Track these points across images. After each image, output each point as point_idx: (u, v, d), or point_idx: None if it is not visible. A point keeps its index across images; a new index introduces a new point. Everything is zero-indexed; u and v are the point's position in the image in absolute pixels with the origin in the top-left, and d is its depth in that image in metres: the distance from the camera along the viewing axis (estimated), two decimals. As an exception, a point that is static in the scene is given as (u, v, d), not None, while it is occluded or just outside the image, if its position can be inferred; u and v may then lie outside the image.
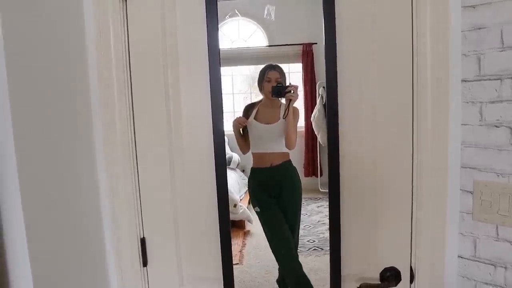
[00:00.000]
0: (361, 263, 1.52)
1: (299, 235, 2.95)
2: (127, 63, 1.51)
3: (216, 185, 1.51)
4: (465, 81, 1.29)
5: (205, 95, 1.48)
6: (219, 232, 1.52)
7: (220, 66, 1.45)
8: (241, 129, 2.81)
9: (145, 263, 1.58)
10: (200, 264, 1.60)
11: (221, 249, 1.53)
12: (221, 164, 1.50)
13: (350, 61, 1.44)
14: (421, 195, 1.41)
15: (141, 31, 1.51)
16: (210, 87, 1.47)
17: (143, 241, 1.57)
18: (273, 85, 2.65)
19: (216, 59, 1.44)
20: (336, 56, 1.41)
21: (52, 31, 1.25)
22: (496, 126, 1.25)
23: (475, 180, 1.30)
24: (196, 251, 1.60)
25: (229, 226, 1.54)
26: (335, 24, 1.39)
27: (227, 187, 1.55)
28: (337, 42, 1.40)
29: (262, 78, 2.73)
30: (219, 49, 1.44)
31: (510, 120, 1.21)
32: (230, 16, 3.86)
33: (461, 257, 1.36)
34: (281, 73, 2.75)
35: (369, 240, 1.52)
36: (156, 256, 1.59)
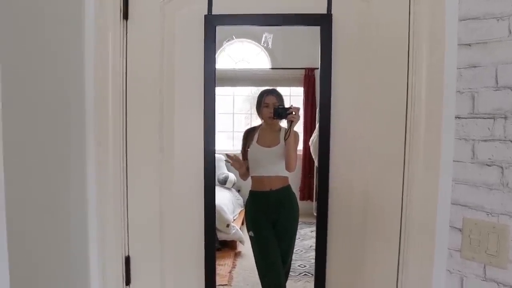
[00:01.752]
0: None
1: (291, 260, 2.91)
2: (124, 81, 1.52)
3: (204, 206, 1.50)
4: (459, 117, 1.30)
5: (199, 117, 1.49)
6: (204, 254, 1.50)
7: (215, 89, 1.47)
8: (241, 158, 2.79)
9: (128, 282, 1.56)
10: (184, 284, 1.57)
11: (205, 271, 1.51)
12: (210, 186, 1.49)
13: (345, 91, 1.46)
14: (410, 228, 1.41)
15: (139, 50, 1.53)
16: (204, 110, 1.48)
17: (127, 260, 1.55)
18: (271, 109, 2.65)
19: (211, 82, 1.46)
20: (330, 84, 1.43)
21: (51, 44, 1.26)
22: (488, 165, 1.24)
23: (465, 217, 1.29)
24: (181, 272, 1.58)
25: (214, 249, 1.53)
26: (331, 54, 1.42)
27: (215, 209, 1.54)
28: (332, 70, 1.42)
29: (260, 104, 2.75)
30: (215, 72, 1.46)
31: (501, 160, 1.21)
32: (227, 41, 3.87)
33: (448, 295, 1.34)
34: (278, 97, 2.76)
35: (355, 270, 1.50)
36: (140, 275, 1.57)
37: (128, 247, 1.56)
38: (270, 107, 2.67)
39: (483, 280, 1.25)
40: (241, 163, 2.70)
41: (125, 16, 1.49)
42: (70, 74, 1.39)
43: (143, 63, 1.53)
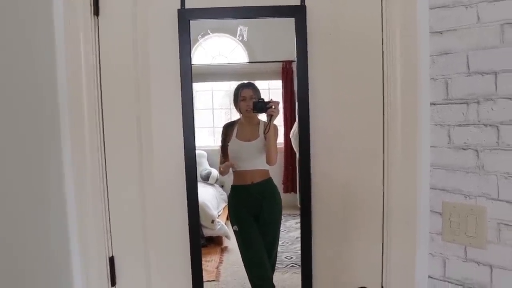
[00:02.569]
0: (332, 283, 1.52)
1: (277, 252, 2.93)
2: (98, 79, 1.49)
3: (187, 203, 1.50)
4: (434, 104, 1.32)
5: (177, 113, 1.48)
6: (189, 251, 1.50)
7: (192, 84, 1.46)
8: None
9: (113, 283, 1.54)
10: (171, 283, 1.57)
11: (191, 268, 1.51)
12: (192, 182, 1.49)
13: (322, 82, 1.47)
14: (391, 215, 1.43)
15: (112, 47, 1.50)
16: (182, 105, 1.47)
17: (111, 260, 1.54)
18: (248, 102, 2.66)
19: (188, 78, 1.45)
20: (307, 75, 1.44)
21: (20, 43, 1.23)
22: (464, 149, 1.27)
23: (444, 201, 1.32)
24: (166, 270, 1.57)
25: (200, 245, 1.53)
26: (306, 46, 1.42)
27: (198, 205, 1.54)
28: (308, 62, 1.43)
29: (237, 98, 2.75)
30: (191, 67, 1.45)
31: (476, 143, 1.24)
32: (202, 36, 3.84)
33: (431, 277, 1.37)
34: (255, 89, 2.77)
35: (340, 259, 1.53)
36: (125, 275, 1.56)
37: (112, 247, 1.54)
38: (247, 100, 2.67)
39: (464, 261, 1.29)
40: (229, 165, 2.71)
41: (96, 12, 1.46)
42: (41, 73, 1.35)
43: (116, 60, 1.50)
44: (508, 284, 1.20)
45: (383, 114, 1.43)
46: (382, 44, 1.41)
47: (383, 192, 1.45)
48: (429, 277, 1.37)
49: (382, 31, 1.41)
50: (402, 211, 1.40)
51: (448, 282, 1.33)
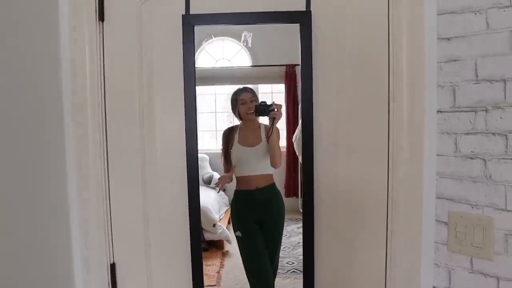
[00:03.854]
0: (335, 290, 1.51)
1: (279, 258, 2.91)
2: (102, 84, 1.48)
3: (189, 207, 1.48)
4: (441, 111, 1.30)
5: (180, 117, 1.47)
6: (190, 256, 1.49)
7: (195, 89, 1.44)
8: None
9: (114, 289, 1.53)
10: (172, 287, 1.55)
11: (192, 273, 1.49)
12: (194, 187, 1.47)
13: (326, 87, 1.46)
14: (396, 224, 1.41)
15: (117, 52, 1.49)
16: (185, 110, 1.45)
17: (113, 267, 1.52)
18: (248, 105, 2.64)
19: (191, 83, 1.44)
20: (312, 80, 1.42)
21: (25, 48, 1.22)
22: (471, 158, 1.25)
23: (450, 211, 1.30)
24: (168, 275, 1.55)
25: (201, 250, 1.52)
26: (311, 50, 1.41)
27: (200, 210, 1.52)
28: (313, 67, 1.42)
29: (236, 102, 2.72)
30: (195, 72, 1.44)
31: (484, 152, 1.22)
32: (206, 41, 3.83)
33: (436, 288, 1.35)
34: (253, 93, 2.75)
35: (343, 266, 1.50)
36: (126, 281, 1.54)
37: (113, 254, 1.53)
38: (247, 103, 2.65)
39: (471, 273, 1.26)
40: (229, 176, 2.69)
41: (101, 17, 1.45)
42: (46, 78, 1.35)
43: (121, 65, 1.49)
44: (516, 297, 1.18)
45: (389, 121, 1.41)
46: (389, 49, 1.39)
47: (388, 200, 1.43)
48: (434, 287, 1.35)
49: (388, 36, 1.39)
50: (407, 220, 1.38)
51: (454, 293, 1.30)
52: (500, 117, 1.18)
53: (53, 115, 1.38)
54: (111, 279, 1.52)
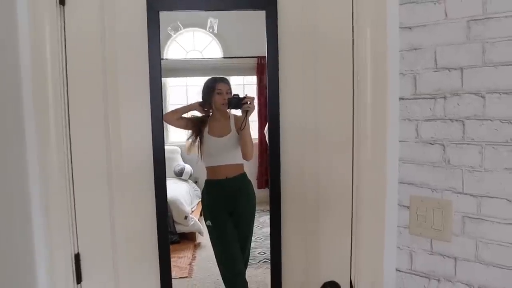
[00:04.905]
0: (302, 276, 1.53)
1: (250, 248, 2.92)
2: (63, 70, 1.45)
3: (155, 198, 1.47)
4: (402, 99, 1.34)
5: (146, 106, 1.45)
6: (157, 246, 1.48)
7: (161, 78, 1.43)
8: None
9: (79, 280, 1.50)
10: (139, 280, 1.54)
11: (159, 265, 1.48)
12: (160, 177, 1.47)
13: (292, 77, 1.47)
14: (360, 209, 1.44)
15: (79, 38, 1.45)
16: (151, 99, 1.44)
17: (77, 257, 1.50)
18: (224, 97, 2.63)
19: (157, 71, 1.42)
20: (278, 70, 1.43)
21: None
22: (431, 144, 1.29)
23: (412, 195, 1.34)
24: (135, 267, 1.54)
25: (168, 242, 1.51)
26: (277, 38, 1.42)
27: (166, 201, 1.52)
28: (279, 56, 1.42)
29: (213, 90, 2.69)
30: (161, 60, 1.42)
31: (443, 138, 1.26)
32: (172, 28, 3.78)
33: (399, 270, 1.39)
34: (229, 85, 2.74)
35: (310, 254, 1.53)
36: (92, 272, 1.52)
37: (78, 244, 1.50)
38: (224, 94, 2.64)
39: (430, 254, 1.31)
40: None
41: (62, 1, 1.41)
42: (3, 65, 1.30)
43: (83, 51, 1.46)
44: (471, 276, 1.23)
45: (353, 108, 1.44)
46: (353, 39, 1.42)
47: (352, 186, 1.46)
48: (397, 270, 1.39)
49: (352, 25, 1.41)
50: (371, 205, 1.41)
51: (415, 274, 1.35)
52: (458, 104, 1.22)
53: (12, 104, 1.34)
54: (76, 269, 1.49)
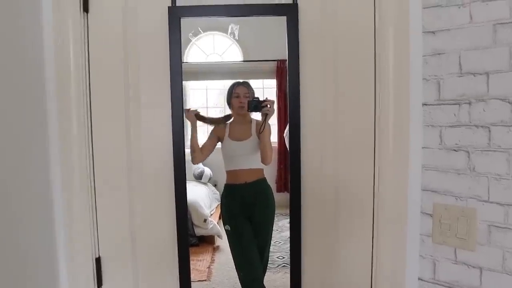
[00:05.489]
0: (322, 283, 1.51)
1: (269, 253, 2.91)
2: (86, 76, 1.47)
3: (175, 202, 1.48)
4: (426, 104, 1.31)
5: (167, 110, 1.46)
6: (177, 249, 1.48)
7: (182, 82, 1.44)
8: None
9: (100, 283, 1.52)
10: (158, 283, 1.55)
11: (179, 268, 1.49)
12: (181, 181, 1.47)
13: (313, 81, 1.46)
14: (382, 216, 1.42)
15: (102, 44, 1.47)
16: (171, 103, 1.45)
17: (98, 261, 1.52)
18: (241, 99, 2.63)
19: (178, 75, 1.43)
20: (299, 74, 1.43)
21: (6, 40, 1.21)
22: (455, 150, 1.26)
23: (435, 203, 1.31)
24: (154, 270, 1.55)
25: (188, 245, 1.51)
26: (298, 44, 1.41)
27: (186, 205, 1.52)
28: (300, 61, 1.42)
29: (230, 94, 2.71)
30: (182, 65, 1.43)
31: (467, 145, 1.23)
32: (193, 34, 3.81)
33: (421, 280, 1.36)
34: (249, 87, 2.74)
35: (330, 259, 1.51)
36: (112, 276, 1.54)
37: (99, 248, 1.52)
38: (241, 97, 2.65)
39: (454, 263, 1.28)
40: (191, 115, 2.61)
41: (85, 8, 1.43)
42: (29, 70, 1.33)
43: (106, 57, 1.47)
44: (497, 287, 1.19)
45: (375, 113, 1.42)
46: (375, 43, 1.40)
47: (374, 193, 1.44)
48: (419, 279, 1.36)
49: (374, 30, 1.39)
50: (392, 212, 1.39)
51: (438, 284, 1.32)
52: (483, 110, 1.19)
53: (37, 110, 1.37)
54: (97, 273, 1.51)
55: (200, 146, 2.68)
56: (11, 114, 1.22)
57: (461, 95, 1.23)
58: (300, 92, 1.44)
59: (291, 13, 1.41)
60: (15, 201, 1.23)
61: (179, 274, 1.50)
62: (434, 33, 1.27)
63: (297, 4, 1.42)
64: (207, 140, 2.75)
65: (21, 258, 1.24)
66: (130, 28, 1.47)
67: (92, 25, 1.46)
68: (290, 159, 1.50)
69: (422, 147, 1.33)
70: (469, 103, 1.22)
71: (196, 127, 2.67)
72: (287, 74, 1.44)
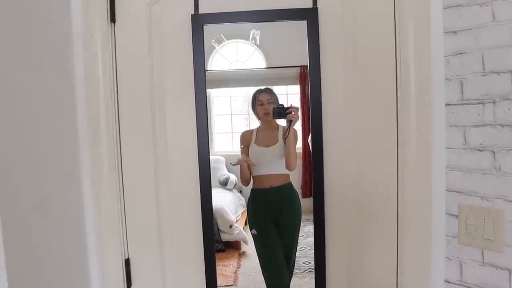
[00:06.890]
0: (347, 287, 1.51)
1: (295, 258, 2.90)
2: (114, 84, 1.53)
3: (201, 207, 1.51)
4: (449, 104, 1.30)
5: (191, 118, 1.50)
6: (203, 254, 1.51)
7: (206, 89, 1.48)
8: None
9: (129, 284, 1.56)
10: (185, 285, 1.58)
11: (205, 271, 1.51)
12: (206, 186, 1.50)
13: (335, 85, 1.47)
14: (406, 218, 1.41)
15: (129, 53, 1.53)
16: (196, 110, 1.48)
17: (127, 262, 1.56)
18: (266, 107, 2.66)
19: (202, 82, 1.47)
20: (320, 78, 1.44)
21: (38, 50, 1.26)
22: (480, 150, 1.25)
23: (460, 203, 1.29)
24: (182, 273, 1.58)
25: (214, 249, 1.54)
26: (319, 48, 1.42)
27: (212, 210, 1.55)
28: (321, 65, 1.43)
29: (254, 102, 2.76)
30: (205, 72, 1.47)
31: (493, 144, 1.21)
32: (216, 41, 3.86)
33: (448, 282, 1.34)
34: (271, 94, 2.77)
35: (355, 263, 1.51)
36: (140, 277, 1.58)
37: (128, 250, 1.57)
38: (265, 104, 2.68)
39: (482, 265, 1.25)
40: (246, 159, 2.68)
41: (113, 19, 1.50)
42: (59, 81, 1.39)
43: (132, 66, 1.53)
44: (527, 289, 1.17)
45: (397, 115, 1.42)
46: (396, 44, 1.40)
47: (398, 195, 1.43)
48: (446, 281, 1.34)
49: (395, 31, 1.40)
50: (417, 214, 1.38)
51: (465, 286, 1.29)
52: (508, 109, 1.17)
53: (67, 117, 1.43)
54: (126, 274, 1.55)
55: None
56: (44, 124, 1.27)
57: (485, 94, 1.22)
58: (322, 96, 1.46)
59: (311, 17, 1.43)
60: (52, 206, 1.28)
61: (206, 278, 1.53)
62: (455, 32, 1.27)
63: (317, 7, 1.44)
64: (242, 156, 2.79)
65: (56, 261, 1.29)
66: (155, 37, 1.52)
67: (118, 34, 1.52)
68: (312, 163, 1.51)
69: (446, 148, 1.32)
70: (494, 102, 1.20)
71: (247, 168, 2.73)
72: (309, 78, 1.46)
